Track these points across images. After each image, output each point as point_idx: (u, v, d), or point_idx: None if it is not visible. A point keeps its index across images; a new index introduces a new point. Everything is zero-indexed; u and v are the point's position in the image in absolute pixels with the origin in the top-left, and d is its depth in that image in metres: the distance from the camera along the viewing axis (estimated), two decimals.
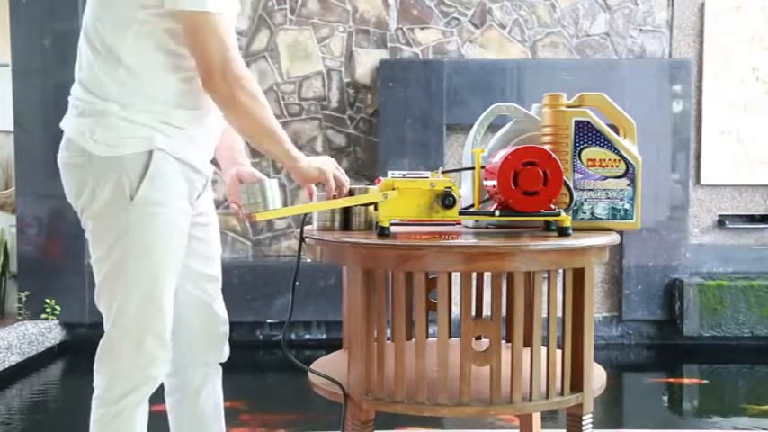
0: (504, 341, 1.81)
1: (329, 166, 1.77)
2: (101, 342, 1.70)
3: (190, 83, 1.65)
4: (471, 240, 1.64)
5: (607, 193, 1.79)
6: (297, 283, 1.75)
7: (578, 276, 1.67)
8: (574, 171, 1.78)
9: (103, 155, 1.63)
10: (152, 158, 1.64)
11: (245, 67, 1.64)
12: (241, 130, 1.74)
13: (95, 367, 1.71)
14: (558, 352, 1.67)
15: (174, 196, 1.68)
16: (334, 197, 1.76)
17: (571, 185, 1.75)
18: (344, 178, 1.80)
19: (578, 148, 1.78)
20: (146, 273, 1.66)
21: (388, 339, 1.68)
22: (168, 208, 1.67)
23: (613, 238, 1.72)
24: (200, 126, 1.71)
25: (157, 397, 1.88)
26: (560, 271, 1.67)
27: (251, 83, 1.64)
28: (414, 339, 1.65)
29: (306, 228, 1.78)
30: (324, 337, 4.84)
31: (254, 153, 3.63)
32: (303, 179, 1.78)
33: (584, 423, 1.69)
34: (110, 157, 1.63)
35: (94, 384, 1.71)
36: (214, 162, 1.88)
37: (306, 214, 1.76)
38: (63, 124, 1.72)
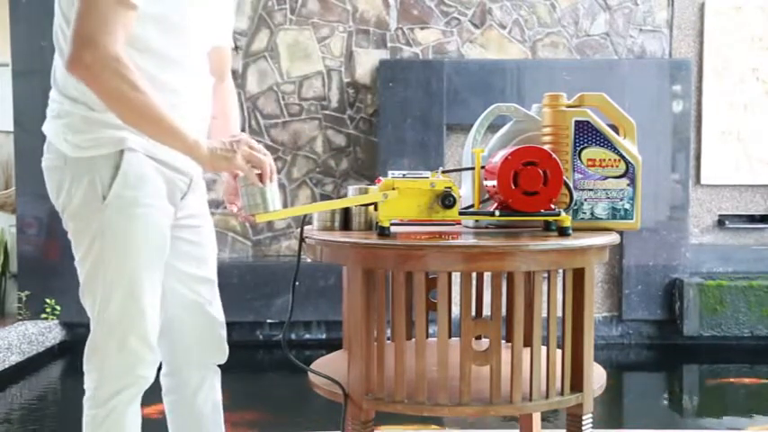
0: (504, 341, 1.81)
1: (238, 152, 1.61)
2: (87, 342, 1.70)
3: (157, 80, 1.60)
4: (471, 240, 1.63)
5: (607, 193, 1.79)
6: (297, 283, 1.74)
7: (578, 276, 1.67)
8: (574, 171, 1.78)
9: (77, 156, 1.63)
10: (123, 157, 1.62)
11: (123, 53, 1.51)
12: (120, 118, 1.57)
13: (84, 368, 1.70)
14: (558, 352, 1.67)
15: (150, 195, 1.66)
16: (260, 177, 1.62)
17: (571, 185, 1.74)
18: (261, 154, 1.63)
19: (578, 148, 1.78)
20: (124, 272, 1.64)
21: (388, 339, 1.67)
22: (143, 207, 1.65)
23: (613, 238, 1.72)
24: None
25: (155, 398, 1.87)
26: (560, 271, 1.67)
27: (126, 68, 1.50)
28: (414, 339, 1.65)
29: (306, 228, 1.77)
30: (324, 337, 4.84)
31: None
32: (211, 169, 1.66)
33: (584, 423, 1.69)
34: (83, 157, 1.63)
35: (85, 386, 1.71)
36: None
37: (306, 214, 1.76)
38: (43, 127, 1.70)
